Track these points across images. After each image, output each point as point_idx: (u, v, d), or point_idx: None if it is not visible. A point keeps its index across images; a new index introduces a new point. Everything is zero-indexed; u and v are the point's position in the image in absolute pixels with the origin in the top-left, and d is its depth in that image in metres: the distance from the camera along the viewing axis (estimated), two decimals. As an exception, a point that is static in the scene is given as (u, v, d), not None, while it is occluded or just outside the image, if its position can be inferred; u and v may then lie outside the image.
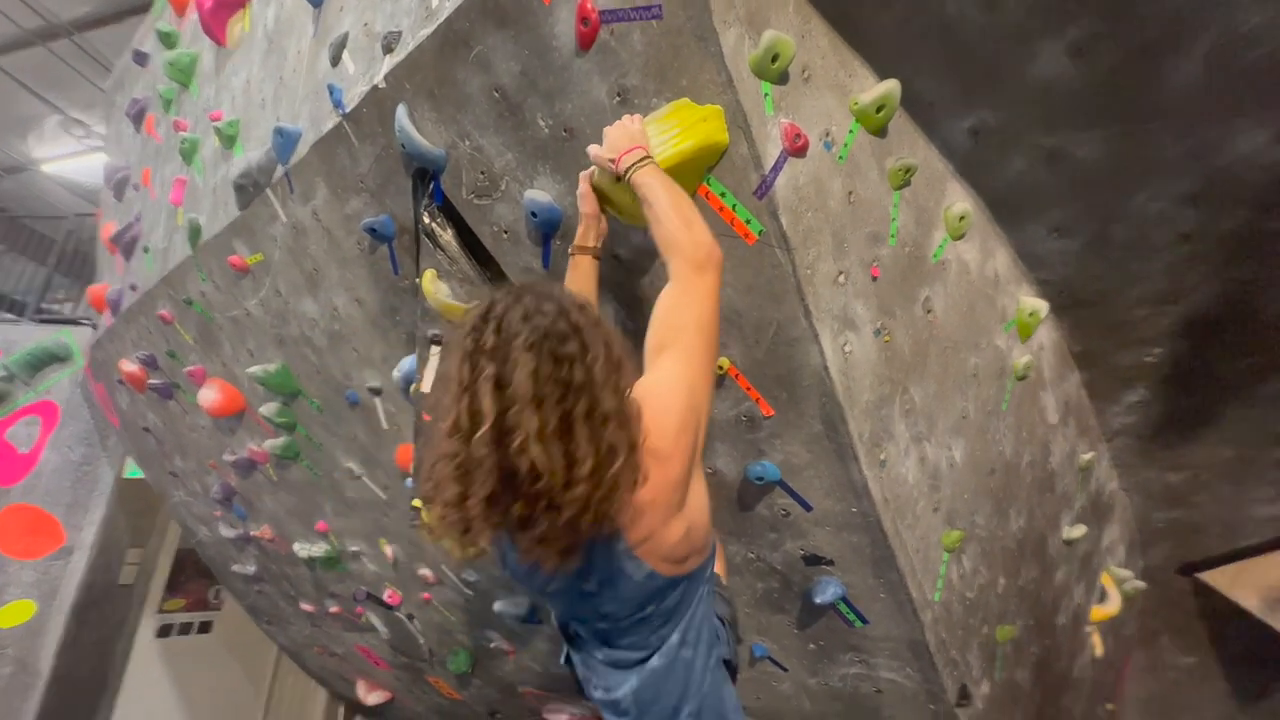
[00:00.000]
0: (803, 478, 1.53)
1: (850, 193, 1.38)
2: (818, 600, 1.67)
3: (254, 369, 2.55)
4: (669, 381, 1.00)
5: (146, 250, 3.04)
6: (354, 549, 3.05)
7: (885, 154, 1.45)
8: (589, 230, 1.30)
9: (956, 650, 1.81)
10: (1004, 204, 1.71)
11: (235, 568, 3.88)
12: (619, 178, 1.16)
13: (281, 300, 2.35)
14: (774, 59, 1.19)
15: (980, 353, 1.79)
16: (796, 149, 1.25)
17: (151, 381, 3.25)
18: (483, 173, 1.58)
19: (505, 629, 2.75)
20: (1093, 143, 1.53)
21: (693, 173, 1.24)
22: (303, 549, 3.20)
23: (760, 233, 1.27)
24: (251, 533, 3.52)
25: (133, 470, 4.58)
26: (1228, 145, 1.46)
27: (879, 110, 1.37)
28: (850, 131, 1.37)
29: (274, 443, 2.80)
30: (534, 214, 1.50)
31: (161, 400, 3.35)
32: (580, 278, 1.30)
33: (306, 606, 3.78)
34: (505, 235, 1.63)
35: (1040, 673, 2.37)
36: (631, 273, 1.47)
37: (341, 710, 6.43)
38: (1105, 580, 2.76)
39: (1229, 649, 3.00)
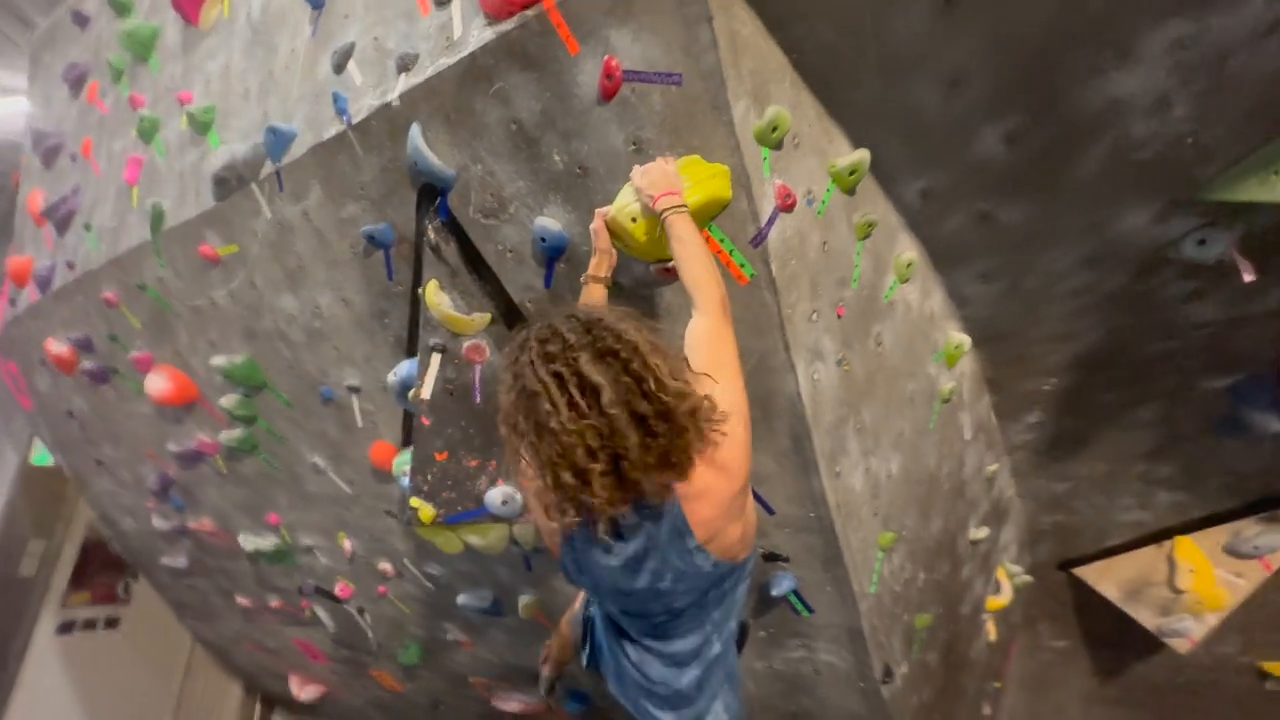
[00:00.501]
0: (769, 485, 1.74)
1: (825, 243, 1.60)
2: (773, 592, 1.90)
3: (218, 360, 2.51)
4: (724, 407, 1.15)
5: (89, 228, 2.89)
6: (307, 543, 3.04)
7: (853, 209, 1.69)
8: (602, 262, 1.45)
9: (884, 635, 2.09)
10: (942, 253, 1.99)
11: (165, 561, 3.72)
12: (654, 212, 1.31)
13: (256, 294, 2.34)
14: (774, 129, 1.39)
15: (916, 380, 2.07)
16: (786, 206, 1.45)
17: (84, 365, 3.08)
18: (492, 195, 1.70)
19: (464, 621, 2.84)
20: (1015, 210, 1.83)
21: (698, 220, 1.42)
22: (249, 542, 3.15)
23: (752, 276, 1.46)
24: (189, 525, 3.40)
25: (40, 456, 4.27)
26: (1116, 222, 1.79)
27: (852, 173, 1.60)
28: (828, 190, 1.59)
29: (230, 435, 2.76)
30: (543, 239, 1.63)
31: (94, 385, 3.18)
32: (594, 303, 1.45)
33: (243, 601, 3.69)
34: (510, 254, 1.75)
35: (946, 655, 2.73)
36: (632, 299, 1.63)
37: (258, 709, 6.21)
38: (1000, 574, 3.17)
39: (1094, 633, 3.50)
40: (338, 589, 3.12)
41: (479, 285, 1.82)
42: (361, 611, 3.22)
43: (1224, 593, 2.81)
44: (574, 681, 2.89)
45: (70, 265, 2.95)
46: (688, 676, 1.25)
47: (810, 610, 1.97)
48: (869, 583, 1.95)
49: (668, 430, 1.01)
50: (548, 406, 1.00)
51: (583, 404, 0.99)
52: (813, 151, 1.54)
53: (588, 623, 1.55)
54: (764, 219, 1.42)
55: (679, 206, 1.30)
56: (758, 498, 1.77)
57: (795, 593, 1.93)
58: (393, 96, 1.70)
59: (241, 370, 2.52)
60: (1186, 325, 2.03)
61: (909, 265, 1.89)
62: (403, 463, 2.09)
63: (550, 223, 1.62)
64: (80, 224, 2.98)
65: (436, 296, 1.78)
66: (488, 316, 1.82)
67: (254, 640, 4.07)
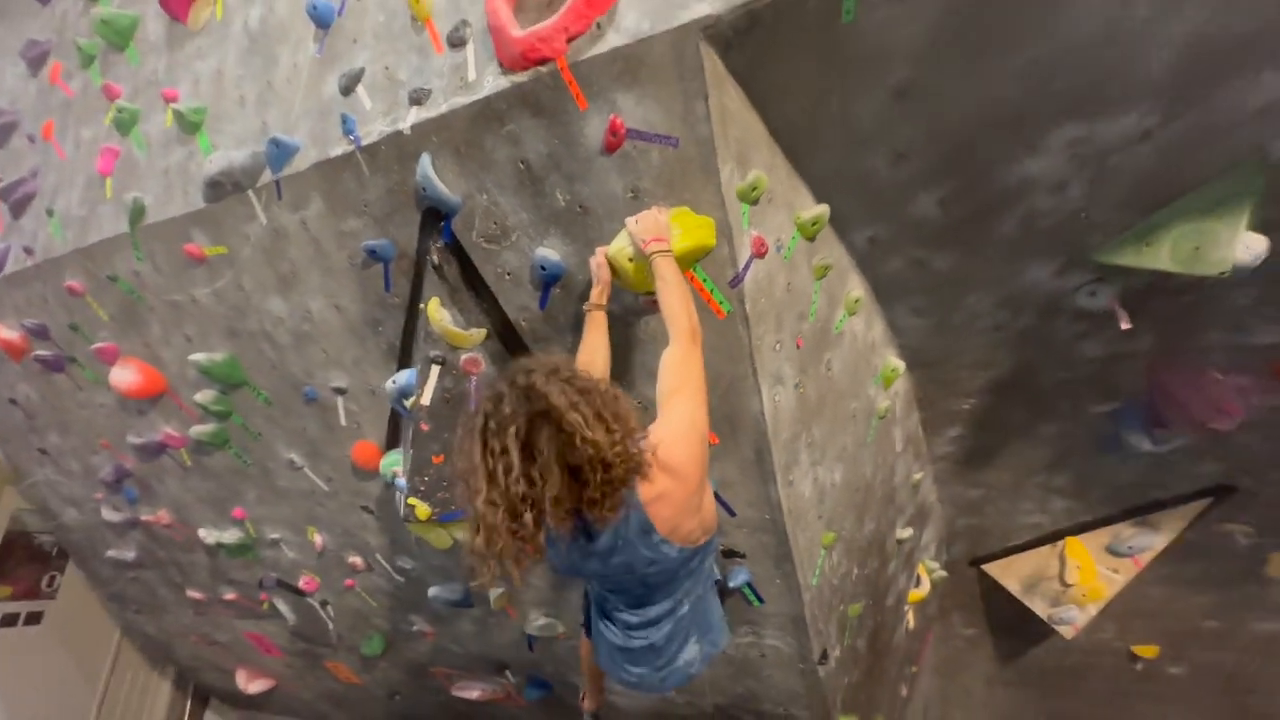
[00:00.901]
0: (732, 491, 1.99)
1: (789, 283, 1.86)
2: (730, 584, 2.16)
3: (197, 356, 2.55)
4: (683, 426, 1.37)
5: (51, 214, 2.85)
6: (274, 536, 3.09)
7: (813, 254, 1.95)
8: (603, 292, 1.65)
9: (822, 623, 2.39)
10: (884, 291, 2.29)
11: (111, 553, 3.65)
12: (644, 255, 1.52)
13: (243, 294, 2.41)
14: (754, 189, 1.63)
15: (858, 399, 2.37)
16: (760, 253, 1.70)
17: (39, 353, 3.02)
18: (495, 223, 1.87)
19: (432, 613, 2.98)
20: (945, 258, 2.14)
21: (686, 263, 1.64)
22: (211, 535, 3.16)
23: (729, 311, 1.70)
24: (142, 517, 3.37)
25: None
26: (1025, 274, 2.13)
27: (814, 224, 1.86)
28: (793, 238, 1.85)
29: (200, 429, 2.79)
30: (543, 268, 1.82)
31: (47, 373, 3.12)
32: (596, 326, 1.65)
33: (195, 594, 3.67)
34: (508, 278, 1.93)
35: (872, 641, 3.07)
36: (618, 320, 1.84)
37: (188, 705, 6.06)
38: (920, 570, 3.56)
39: (997, 622, 3.96)
40: (302, 582, 3.18)
41: (477, 303, 1.99)
42: (325, 604, 3.29)
43: (1103, 586, 3.27)
44: (536, 670, 3.08)
45: (29, 250, 2.89)
46: (661, 632, 1.48)
47: (761, 600, 2.23)
48: (812, 577, 2.23)
49: (599, 474, 1.20)
50: (490, 471, 1.19)
51: (520, 465, 1.17)
52: (783, 206, 1.79)
53: (586, 607, 1.75)
54: (741, 264, 1.66)
55: (664, 251, 1.53)
56: (721, 501, 2.02)
57: (749, 585, 2.19)
58: (404, 126, 1.84)
59: (221, 368, 2.56)
60: (1078, 360, 2.41)
61: (857, 301, 2.17)
62: (391, 463, 2.22)
63: (550, 253, 1.81)
64: (40, 208, 2.92)
65: (438, 313, 1.94)
66: (484, 332, 1.99)
67: (201, 634, 4.03)
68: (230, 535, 3.15)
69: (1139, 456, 2.68)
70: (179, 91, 2.49)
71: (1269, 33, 1.38)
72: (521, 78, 1.64)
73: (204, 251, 2.40)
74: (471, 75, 1.75)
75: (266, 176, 2.14)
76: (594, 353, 1.62)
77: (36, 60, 3.09)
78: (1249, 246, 1.73)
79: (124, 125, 2.62)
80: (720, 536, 2.11)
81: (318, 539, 2.96)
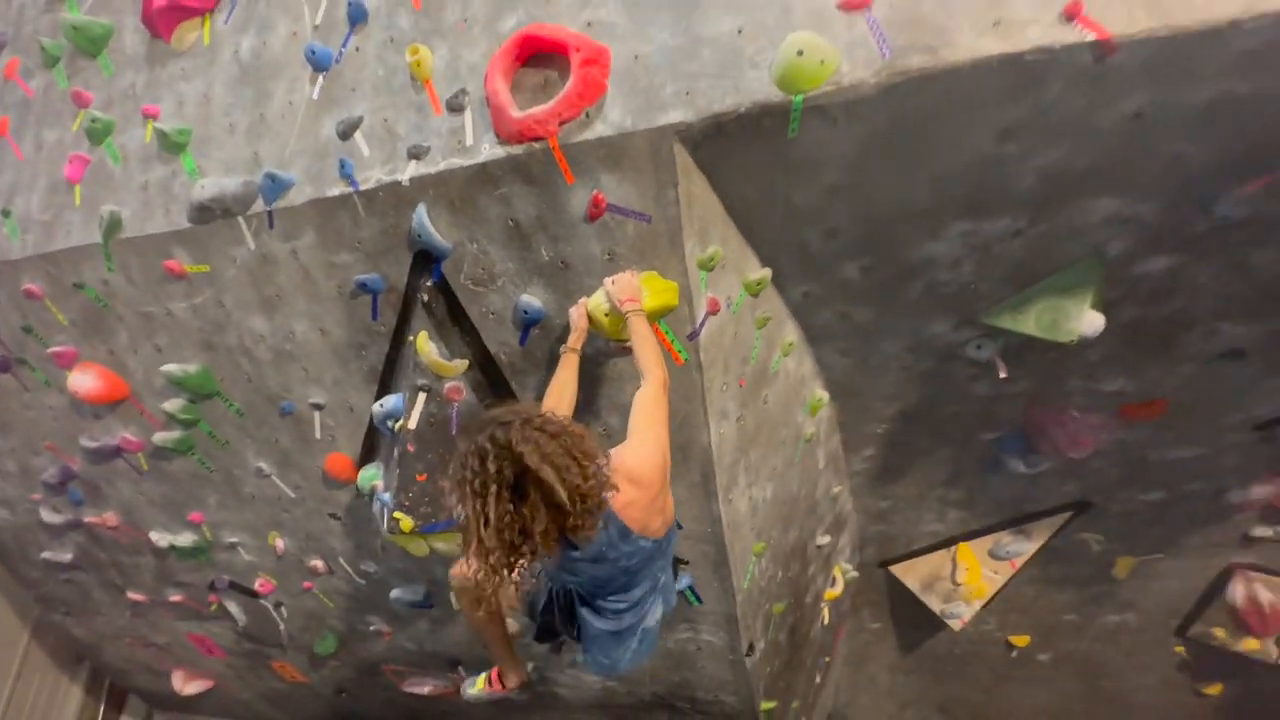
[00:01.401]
0: (681, 508, 2.31)
1: (735, 333, 2.20)
2: (676, 588, 2.48)
3: (170, 367, 2.64)
4: (649, 445, 1.65)
5: (8, 214, 2.83)
6: (231, 540, 3.19)
7: (756, 307, 2.30)
8: (579, 338, 1.93)
9: (751, 620, 2.76)
10: (814, 336, 2.68)
11: (46, 555, 3.60)
12: (620, 312, 1.82)
13: (223, 312, 2.53)
14: (712, 260, 1.96)
15: (788, 427, 2.76)
16: (714, 311, 2.03)
17: (-14, 353, 2.99)
18: (483, 269, 2.11)
19: (390, 613, 3.16)
20: (865, 312, 2.54)
21: (652, 319, 1.95)
22: (163, 538, 3.22)
23: (686, 359, 2.02)
24: (86, 519, 3.36)
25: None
26: (928, 328, 2.56)
27: (759, 284, 2.21)
28: (741, 295, 2.19)
29: (164, 435, 2.86)
30: (525, 312, 2.08)
31: (-11, 373, 3.08)
32: (569, 366, 1.92)
33: (136, 596, 3.67)
34: (492, 316, 2.17)
35: (792, 635, 3.49)
36: (589, 360, 2.12)
37: (101, 709, 5.87)
38: (836, 571, 4.02)
39: (899, 617, 4.49)
40: (258, 584, 3.28)
41: (461, 337, 2.22)
42: (279, 606, 3.39)
43: (986, 585, 3.82)
44: (485, 665, 3.31)
45: (-20, 251, 2.86)
46: (644, 609, 1.77)
47: (700, 600, 2.58)
48: (744, 580, 2.60)
49: (578, 505, 1.45)
50: (482, 522, 1.39)
51: (510, 512, 1.40)
52: (734, 270, 2.13)
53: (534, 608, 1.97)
54: (699, 320, 1.99)
55: (638, 310, 1.83)
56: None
57: (691, 588, 2.53)
58: (404, 178, 2.05)
59: (195, 379, 2.66)
60: (969, 397, 2.88)
61: (790, 345, 2.55)
62: (370, 477, 2.41)
63: (532, 299, 2.08)
64: (-6, 209, 2.89)
65: (426, 345, 2.16)
66: (466, 363, 2.23)
67: (138, 636, 4.01)
68: (184, 539, 3.21)
69: (1016, 477, 3.20)
70: (160, 109, 2.56)
71: (1103, 170, 1.82)
72: (517, 150, 1.90)
73: (185, 268, 2.50)
74: (469, 140, 1.98)
75: (258, 206, 2.29)
76: (564, 388, 1.88)
77: (-11, 53, 3.04)
78: (1091, 322, 2.20)
79: (96, 135, 2.66)
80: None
81: (279, 543, 3.08)
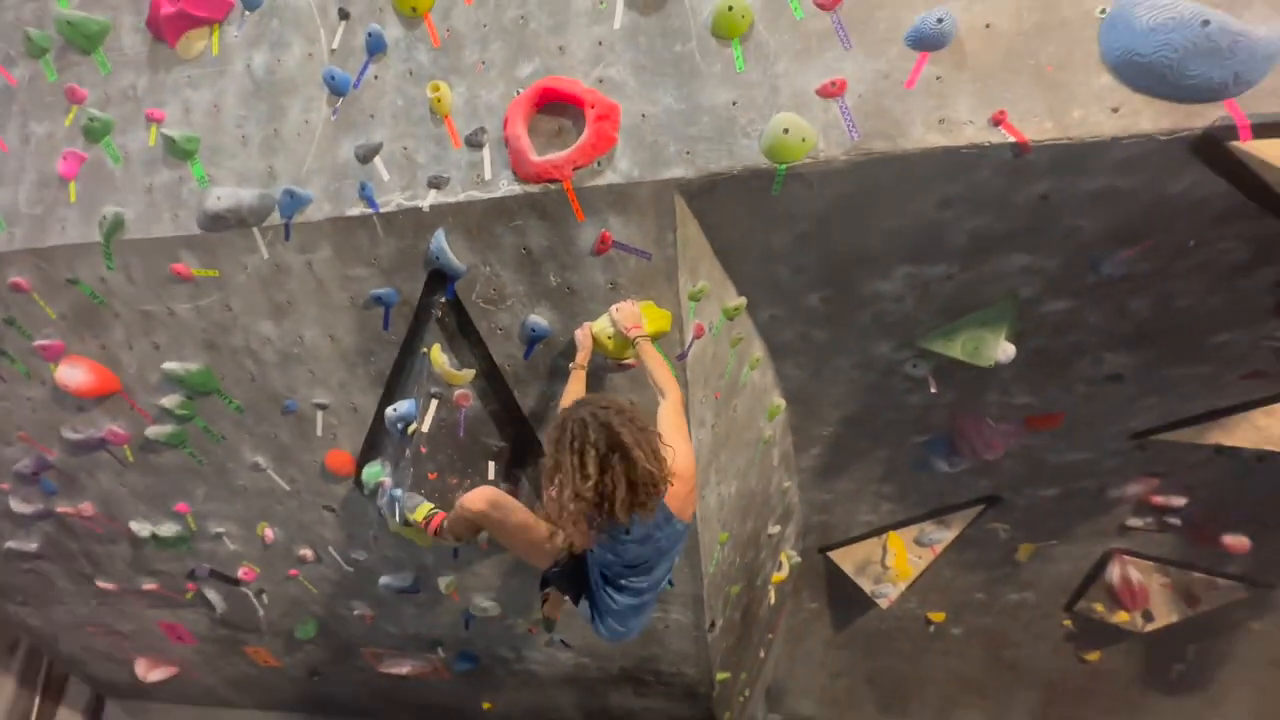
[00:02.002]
0: (661, 503, 2.65)
1: (714, 353, 2.54)
2: (653, 572, 2.82)
3: (171, 365, 2.75)
4: (683, 449, 1.95)
5: (-9, 206, 2.84)
6: (217, 530, 3.31)
7: (732, 330, 2.65)
8: (586, 356, 2.22)
9: (713, 600, 3.14)
10: (777, 352, 3.05)
11: (10, 544, 3.59)
12: (627, 338, 2.11)
13: (231, 315, 2.66)
14: (700, 293, 2.28)
15: (752, 430, 3.14)
16: (699, 335, 2.36)
17: (-40, 344, 2.98)
18: (494, 290, 2.36)
19: (375, 598, 3.37)
20: (822, 333, 2.94)
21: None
22: (143, 528, 3.30)
23: (675, 376, 2.35)
24: (58, 509, 3.39)
25: None
26: (873, 348, 2.98)
27: (735, 310, 2.56)
28: (720, 320, 2.53)
29: (158, 429, 2.96)
30: (533, 330, 2.35)
31: (-39, 363, 3.07)
32: (578, 380, 2.20)
33: (105, 584, 3.72)
34: (500, 332, 2.43)
35: (745, 615, 3.92)
36: (592, 375, 2.42)
37: (36, 700, 5.75)
38: (783, 557, 4.48)
39: (835, 597, 5.00)
40: (241, 572, 3.41)
41: (470, 350, 2.46)
42: (260, 593, 3.53)
43: (911, 569, 4.35)
44: (467, 646, 3.58)
45: (-40, 242, 2.85)
46: (658, 589, 2.09)
47: (671, 584, 2.92)
48: (710, 566, 2.97)
49: (650, 489, 1.80)
50: (577, 477, 1.71)
51: (605, 476, 1.73)
52: (716, 298, 2.47)
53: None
54: (688, 344, 2.31)
55: (645, 336, 2.14)
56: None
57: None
58: (424, 204, 2.28)
59: (196, 377, 2.78)
60: (904, 406, 3.33)
61: (757, 360, 2.92)
62: (374, 474, 2.63)
63: (540, 319, 2.35)
64: (-27, 198, 2.88)
65: (439, 356, 2.39)
66: (473, 373, 2.47)
67: (101, 624, 4.03)
68: (167, 529, 3.30)
69: (940, 474, 3.70)
70: (165, 114, 2.65)
71: (1018, 234, 2.26)
72: (533, 188, 2.16)
73: (192, 272, 2.61)
74: (488, 175, 2.22)
75: (274, 219, 2.44)
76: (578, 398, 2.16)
77: (-37, 36, 2.99)
78: (1005, 350, 2.66)
79: (94, 134, 2.72)
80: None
81: (269, 533, 3.23)
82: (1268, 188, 1.91)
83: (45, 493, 3.37)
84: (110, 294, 2.76)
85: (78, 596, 3.85)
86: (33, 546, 3.61)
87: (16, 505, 3.43)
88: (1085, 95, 1.83)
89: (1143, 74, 1.77)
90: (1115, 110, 1.81)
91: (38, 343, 2.91)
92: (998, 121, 1.87)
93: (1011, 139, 1.86)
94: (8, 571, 3.86)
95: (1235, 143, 1.78)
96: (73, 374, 2.88)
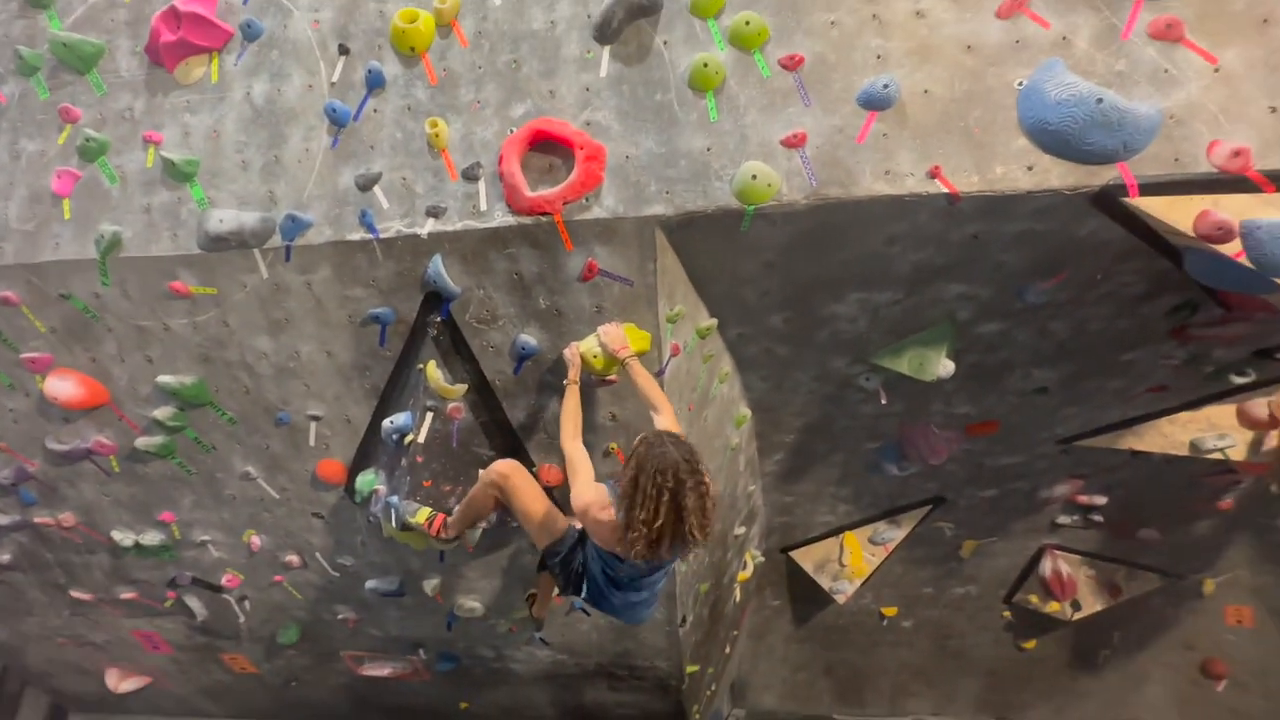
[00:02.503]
0: (638, 506, 2.89)
1: (688, 369, 2.81)
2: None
3: (166, 379, 2.87)
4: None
5: (-22, 221, 2.89)
6: (203, 539, 3.40)
7: (704, 347, 2.92)
8: (577, 373, 2.44)
9: (685, 597, 3.40)
10: (744, 365, 3.34)
11: (-18, 556, 3.60)
12: (615, 358, 2.35)
13: (227, 330, 2.80)
14: (677, 315, 2.54)
15: (720, 438, 3.41)
16: (676, 354, 2.62)
17: (-59, 356, 3.02)
18: (487, 311, 2.58)
19: (360, 602, 3.52)
20: (784, 349, 3.23)
21: (630, 359, 2.51)
22: (126, 537, 3.37)
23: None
24: (36, 519, 3.42)
25: None
26: (830, 363, 3.29)
27: (707, 330, 2.83)
28: (693, 339, 2.80)
29: (147, 440, 3.05)
30: (523, 348, 2.57)
31: (-60, 374, 3.10)
32: (573, 394, 2.39)
33: (80, 594, 3.75)
34: (491, 349, 2.64)
35: (712, 611, 4.18)
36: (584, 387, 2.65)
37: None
38: (748, 557, 4.77)
39: (796, 594, 5.32)
40: (225, 579, 3.50)
41: (463, 366, 2.66)
42: (243, 600, 3.63)
43: (866, 566, 4.69)
44: (448, 647, 3.74)
45: (-55, 254, 2.90)
46: (648, 593, 2.32)
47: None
48: (683, 565, 3.22)
49: (679, 544, 2.01)
50: (653, 505, 1.91)
51: (670, 513, 1.92)
52: (690, 320, 2.73)
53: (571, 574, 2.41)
54: (665, 362, 2.57)
55: (632, 355, 2.38)
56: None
57: (640, 571, 3.12)
58: (423, 232, 2.47)
59: (190, 390, 2.89)
60: (858, 415, 3.66)
61: (726, 374, 3.20)
62: (368, 482, 2.80)
63: (529, 338, 2.57)
64: (-41, 212, 2.93)
65: (434, 372, 2.59)
66: (465, 387, 2.67)
67: (72, 635, 4.03)
68: (150, 537, 3.37)
69: (891, 478, 4.05)
70: (163, 137, 2.77)
71: (954, 266, 2.59)
72: (526, 220, 2.38)
73: (190, 289, 2.74)
74: (483, 206, 2.44)
75: (275, 241, 2.60)
76: (575, 412, 2.36)
77: (-53, 51, 3.03)
78: (946, 367, 3.00)
79: (90, 153, 2.81)
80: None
81: (255, 540, 3.34)
82: (1155, 234, 2.28)
83: (23, 503, 3.40)
84: (104, 309, 2.85)
85: (50, 608, 3.85)
86: (4, 559, 3.62)
87: (-8, 516, 3.46)
88: (1005, 154, 2.16)
89: (1051, 139, 2.11)
90: (1030, 168, 2.15)
91: (24, 355, 2.97)
92: (934, 175, 2.19)
93: (945, 190, 2.18)
94: (-25, 584, 3.85)
95: (1126, 198, 2.14)
96: (61, 386, 2.96)
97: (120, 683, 4.23)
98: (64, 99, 2.90)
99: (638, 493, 1.93)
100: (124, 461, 3.20)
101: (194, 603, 3.66)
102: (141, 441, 3.07)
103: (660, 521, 1.91)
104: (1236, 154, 2.05)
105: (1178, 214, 2.13)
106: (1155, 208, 2.15)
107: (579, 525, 2.33)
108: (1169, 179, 2.10)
